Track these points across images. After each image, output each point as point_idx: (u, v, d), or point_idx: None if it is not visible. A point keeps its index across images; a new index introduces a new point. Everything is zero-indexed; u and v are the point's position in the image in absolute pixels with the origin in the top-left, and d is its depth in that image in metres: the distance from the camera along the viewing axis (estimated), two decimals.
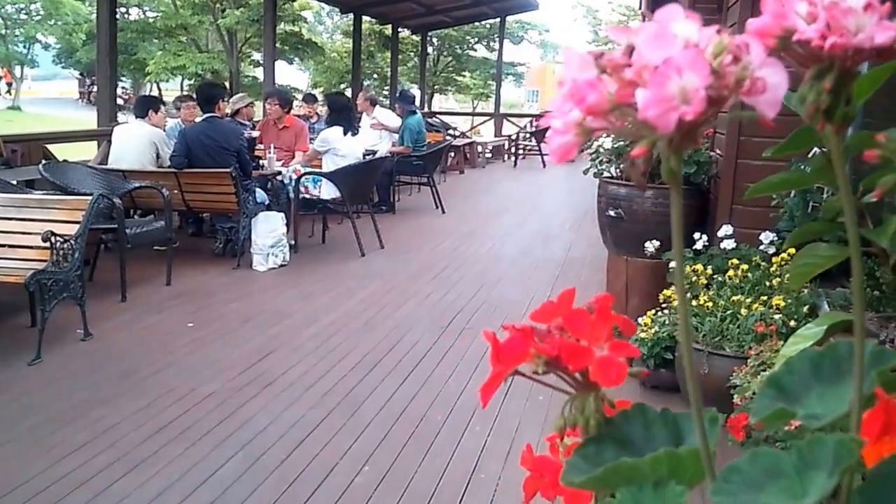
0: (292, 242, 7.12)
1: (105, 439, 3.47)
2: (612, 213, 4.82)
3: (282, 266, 6.78)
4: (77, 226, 4.66)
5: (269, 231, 6.74)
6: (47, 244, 4.45)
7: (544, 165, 16.92)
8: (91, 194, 5.06)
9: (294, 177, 7.43)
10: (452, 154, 14.98)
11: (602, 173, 5.09)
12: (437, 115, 19.74)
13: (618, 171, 4.96)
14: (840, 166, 0.52)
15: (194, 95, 9.39)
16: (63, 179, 6.23)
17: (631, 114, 0.45)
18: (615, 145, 4.92)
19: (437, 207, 10.22)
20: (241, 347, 4.74)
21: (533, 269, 7.04)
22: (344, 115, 7.83)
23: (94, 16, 26.24)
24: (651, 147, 0.45)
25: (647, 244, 4.57)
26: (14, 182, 6.03)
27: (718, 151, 4.81)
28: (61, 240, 4.51)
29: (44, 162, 6.68)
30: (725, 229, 4.34)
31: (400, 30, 20.03)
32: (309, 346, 4.80)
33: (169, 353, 4.61)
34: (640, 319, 4.29)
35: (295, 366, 4.44)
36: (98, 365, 4.40)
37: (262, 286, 6.30)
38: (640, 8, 16.27)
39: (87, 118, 33.15)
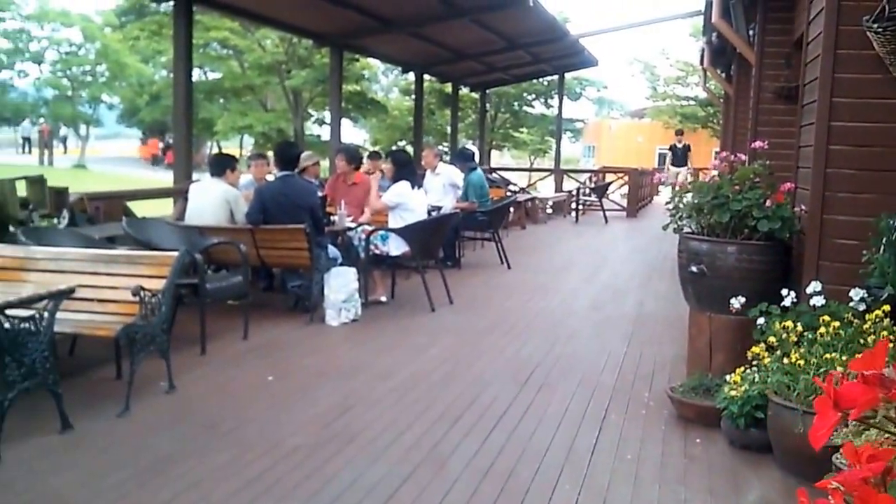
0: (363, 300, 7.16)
1: (192, 494, 3.49)
2: (693, 268, 4.76)
3: (353, 321, 6.81)
4: (164, 281, 4.76)
5: (341, 286, 6.80)
6: (136, 298, 4.55)
7: (606, 221, 16.87)
8: (173, 250, 5.18)
9: (363, 236, 7.51)
10: (513, 210, 15.02)
11: (682, 228, 5.04)
12: (497, 171, 19.87)
13: (699, 226, 4.91)
14: None
15: (265, 154, 9.64)
16: (144, 235, 6.40)
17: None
18: (696, 200, 4.88)
19: (502, 263, 10.24)
20: (321, 402, 4.76)
21: (605, 324, 6.99)
22: (408, 169, 7.93)
23: (157, 77, 27.19)
24: None
25: (733, 300, 4.50)
26: (97, 237, 6.21)
27: (803, 207, 4.75)
28: (150, 294, 4.61)
29: (125, 218, 6.87)
30: (814, 286, 4.26)
31: (460, 87, 20.31)
32: (388, 400, 4.80)
33: (250, 407, 4.65)
34: (728, 377, 4.21)
35: (376, 420, 4.44)
36: (182, 417, 4.46)
37: (335, 340, 6.35)
38: (700, 63, 16.30)
39: (149, 176, 34.12)
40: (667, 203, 5.27)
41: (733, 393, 4.03)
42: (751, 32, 9.08)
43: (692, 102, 31.97)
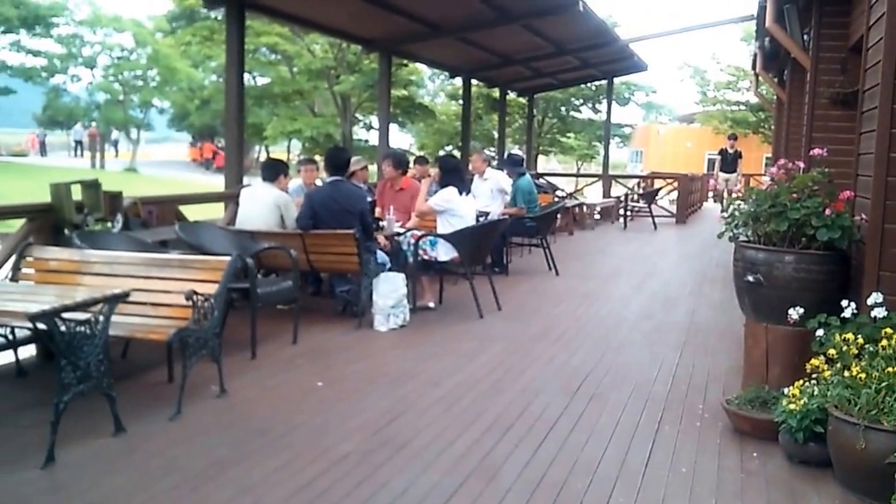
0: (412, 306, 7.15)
1: (244, 500, 3.50)
2: (750, 278, 4.66)
3: (402, 327, 6.80)
4: (216, 285, 4.79)
5: (390, 291, 6.79)
6: (189, 303, 4.58)
7: (655, 227, 16.65)
8: (226, 254, 5.21)
9: (412, 241, 7.50)
10: (560, 215, 14.92)
11: (738, 237, 4.94)
12: (544, 177, 19.77)
13: (755, 234, 4.81)
14: None
15: (315, 159, 9.69)
16: (196, 239, 6.45)
17: None
18: (752, 209, 4.78)
19: (550, 269, 10.15)
20: (371, 408, 4.75)
21: (657, 333, 6.88)
22: (457, 175, 7.88)
23: (207, 81, 27.65)
24: None
25: (791, 311, 4.39)
26: (149, 241, 6.29)
27: (863, 216, 4.62)
28: (202, 298, 4.64)
29: (178, 223, 6.94)
30: (875, 297, 4.14)
31: (507, 92, 20.26)
32: (437, 408, 4.77)
33: (300, 412, 4.65)
34: (786, 390, 4.11)
35: (426, 428, 4.42)
36: (234, 422, 4.48)
37: (384, 346, 6.34)
38: (753, 68, 16.05)
39: (201, 180, 34.64)
40: (722, 211, 5.18)
41: (792, 406, 3.93)
42: (805, 37, 8.92)
43: (743, 107, 31.52)
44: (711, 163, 27.75)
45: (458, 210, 7.58)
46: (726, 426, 4.46)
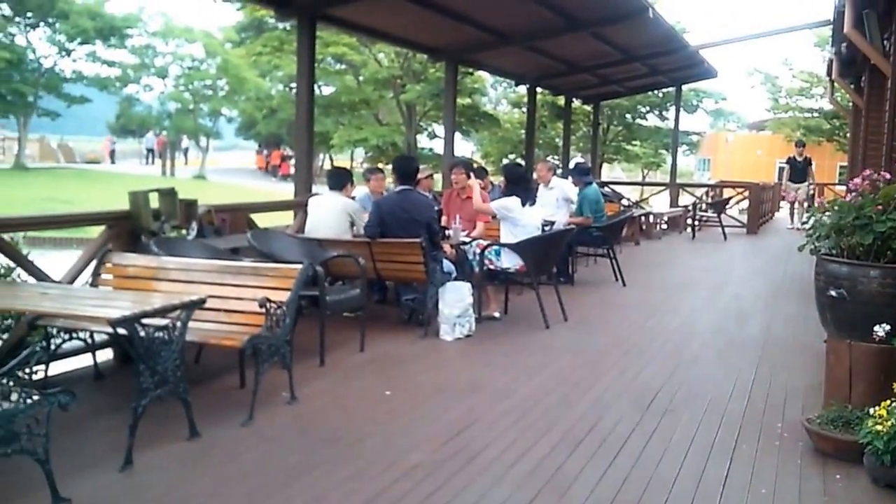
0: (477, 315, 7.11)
1: None
2: (832, 292, 4.53)
3: (467, 336, 6.77)
4: (288, 293, 4.83)
5: (456, 301, 6.77)
6: (262, 310, 4.63)
7: (725, 238, 16.28)
8: (296, 262, 5.25)
9: (478, 251, 7.46)
10: (627, 225, 14.71)
11: (820, 250, 4.80)
12: (610, 185, 19.55)
13: (838, 247, 4.66)
14: None
15: (381, 168, 9.75)
16: (268, 247, 6.54)
17: None
18: (835, 221, 4.64)
19: (616, 280, 10.02)
20: (439, 419, 4.73)
21: (730, 348, 6.72)
22: (521, 185, 7.79)
23: (274, 91, 28.03)
24: None
25: (877, 328, 4.25)
26: (222, 248, 6.38)
27: None
28: (275, 306, 4.68)
29: (250, 231, 7.03)
30: None
31: (572, 100, 20.11)
32: (506, 420, 4.73)
33: (369, 421, 4.66)
34: (872, 410, 3.96)
35: (495, 441, 4.38)
36: (305, 429, 4.50)
37: (450, 356, 6.33)
38: (827, 74, 15.67)
39: (268, 187, 35.18)
40: (803, 223, 5.04)
41: (878, 427, 3.79)
42: (885, 42, 8.66)
43: (816, 115, 30.77)
44: (782, 171, 27.02)
45: (519, 220, 7.50)
46: (807, 446, 4.32)
